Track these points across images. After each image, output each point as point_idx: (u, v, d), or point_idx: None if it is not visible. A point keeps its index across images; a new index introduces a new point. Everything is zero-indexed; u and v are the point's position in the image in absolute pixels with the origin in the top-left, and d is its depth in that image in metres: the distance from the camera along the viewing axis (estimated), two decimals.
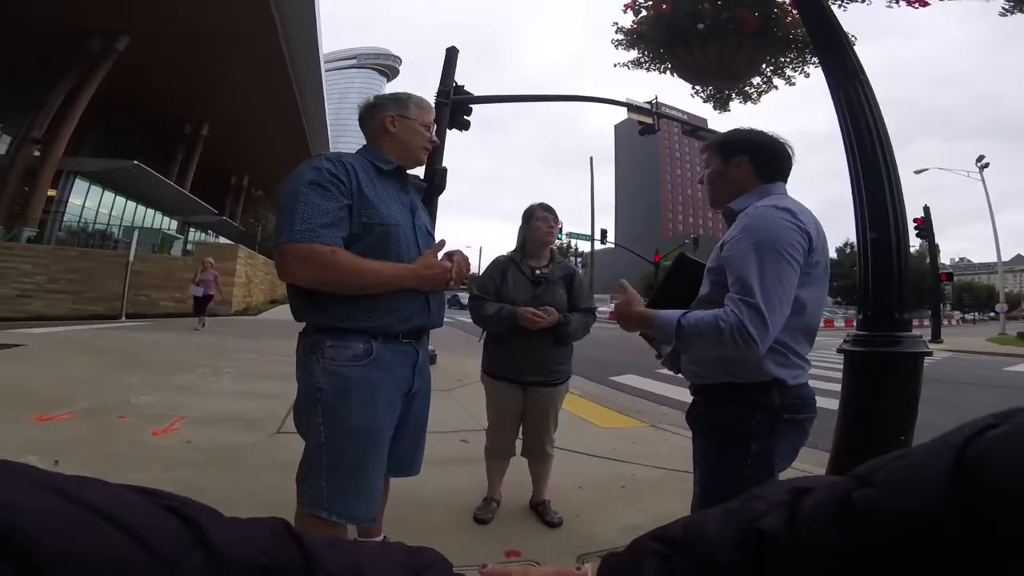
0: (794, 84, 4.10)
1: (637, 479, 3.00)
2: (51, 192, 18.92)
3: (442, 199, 6.50)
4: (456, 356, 7.43)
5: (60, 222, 20.41)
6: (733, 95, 4.48)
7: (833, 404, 2.27)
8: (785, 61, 3.95)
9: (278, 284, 22.63)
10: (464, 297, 2.59)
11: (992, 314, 52.38)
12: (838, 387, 2.34)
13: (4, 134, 20.80)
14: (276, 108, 25.86)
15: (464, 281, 1.65)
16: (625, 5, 4.01)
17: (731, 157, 1.44)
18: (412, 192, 1.69)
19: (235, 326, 11.94)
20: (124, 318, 12.13)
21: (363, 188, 1.46)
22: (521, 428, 2.46)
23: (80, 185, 21.30)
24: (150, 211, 26.71)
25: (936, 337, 18.34)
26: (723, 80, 4.12)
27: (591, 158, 35.99)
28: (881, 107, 2.49)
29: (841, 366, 2.34)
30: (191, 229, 30.31)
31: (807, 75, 3.97)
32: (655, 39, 3.96)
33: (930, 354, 2.26)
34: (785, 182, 1.44)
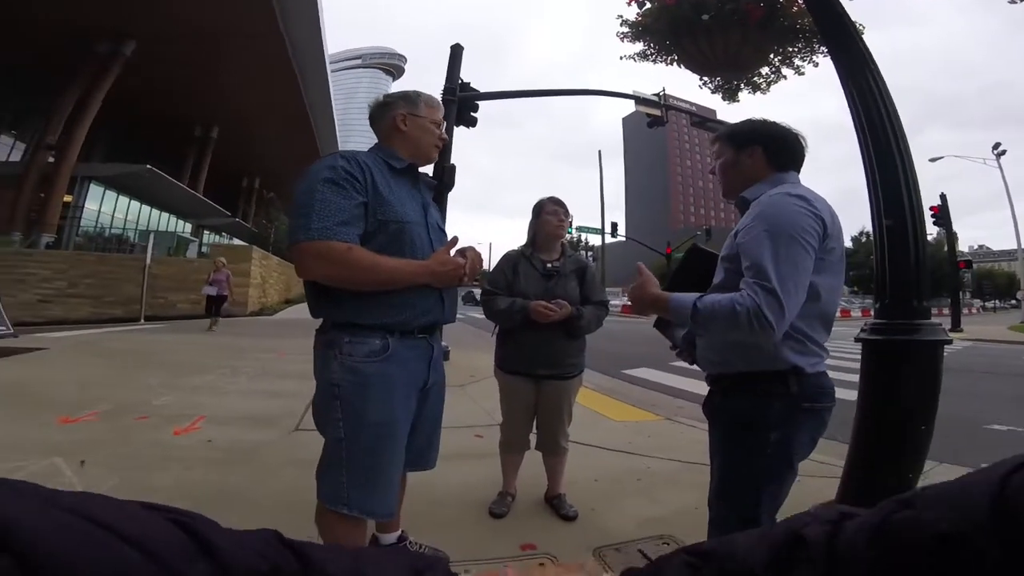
0: (803, 74, 4.04)
1: (653, 472, 2.99)
2: (67, 198, 19.18)
3: (450, 196, 6.52)
4: (468, 352, 7.47)
5: (77, 227, 20.71)
6: (742, 85, 4.42)
7: (851, 395, 2.24)
8: (793, 51, 3.89)
9: (292, 284, 22.85)
10: (480, 293, 2.61)
11: (1013, 301, 51.31)
12: (856, 377, 2.31)
13: (18, 141, 21.19)
14: (284, 109, 26.00)
15: (477, 277, 1.66)
16: None
17: (744, 147, 1.43)
18: (424, 190, 1.70)
19: (251, 326, 12.09)
20: (143, 320, 12.32)
21: (378, 186, 1.48)
22: (535, 422, 2.47)
23: (95, 190, 21.60)
24: (164, 214, 27.04)
25: (956, 325, 18.06)
26: (730, 71, 4.07)
27: (599, 152, 35.84)
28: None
29: (859, 356, 2.31)
30: (205, 231, 30.66)
31: (816, 65, 3.91)
32: (660, 31, 3.92)
33: (950, 342, 2.22)
34: (798, 172, 1.43)
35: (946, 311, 21.57)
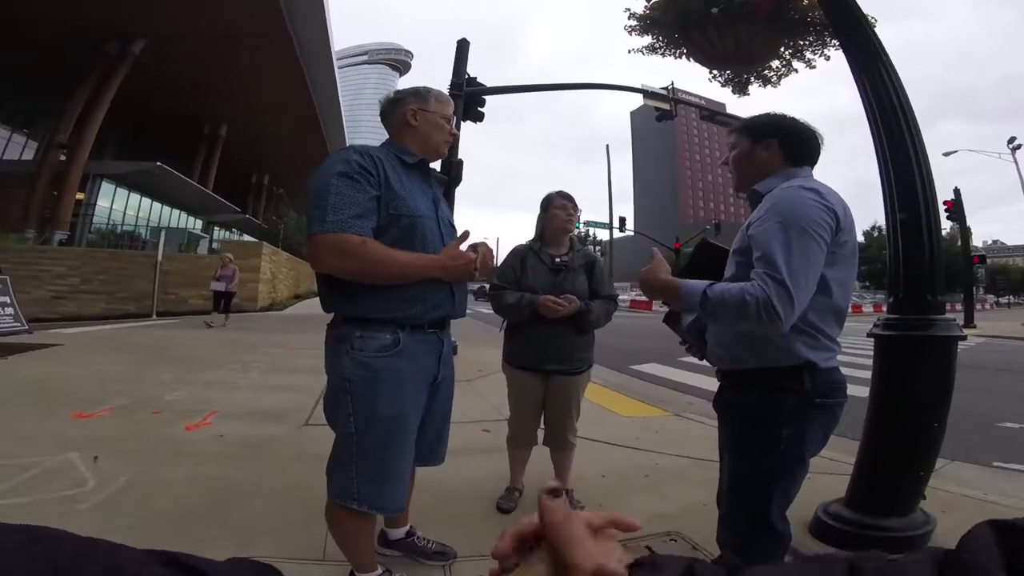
0: (815, 67, 3.99)
1: (661, 468, 2.99)
2: (79, 195, 19.44)
3: (458, 191, 6.53)
4: (476, 347, 7.47)
5: (89, 224, 20.99)
6: (752, 79, 4.37)
7: (863, 392, 2.22)
8: (804, 44, 3.84)
9: (301, 280, 22.99)
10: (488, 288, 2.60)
11: None
12: (867, 374, 2.29)
13: (31, 140, 21.45)
14: (292, 107, 26.14)
15: (488, 272, 1.67)
16: None
17: (760, 140, 1.42)
18: (434, 185, 1.71)
19: (261, 322, 12.18)
20: (155, 316, 12.45)
21: (390, 180, 1.49)
22: (543, 417, 2.46)
23: (106, 187, 21.86)
24: (175, 211, 27.31)
25: (969, 321, 17.79)
26: (740, 64, 4.03)
27: (607, 146, 35.60)
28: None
29: (870, 352, 2.29)
30: (215, 228, 30.94)
31: (827, 58, 3.86)
32: (669, 24, 3.89)
33: (964, 338, 2.20)
34: (812, 168, 1.42)
35: (959, 307, 21.27)
